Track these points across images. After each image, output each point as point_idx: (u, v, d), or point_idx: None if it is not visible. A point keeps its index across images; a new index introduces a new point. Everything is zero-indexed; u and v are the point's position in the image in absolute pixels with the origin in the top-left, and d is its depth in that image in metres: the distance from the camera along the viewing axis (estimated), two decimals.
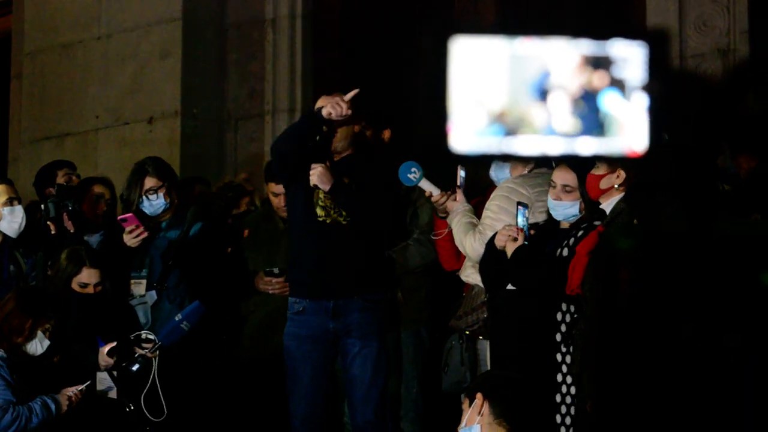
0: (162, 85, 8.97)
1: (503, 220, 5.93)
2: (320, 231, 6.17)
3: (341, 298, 6.14)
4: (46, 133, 9.45)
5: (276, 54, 8.94)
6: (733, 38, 7.44)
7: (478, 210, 6.37)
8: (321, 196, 6.18)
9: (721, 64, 7.39)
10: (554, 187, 5.73)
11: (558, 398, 5.44)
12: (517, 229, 5.70)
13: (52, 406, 6.03)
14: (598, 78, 1.88)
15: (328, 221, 6.17)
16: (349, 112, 6.03)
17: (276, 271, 6.82)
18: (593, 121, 1.87)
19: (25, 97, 9.70)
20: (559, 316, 5.51)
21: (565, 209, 5.73)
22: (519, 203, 5.78)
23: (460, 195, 6.29)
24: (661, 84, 1.86)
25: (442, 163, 6.11)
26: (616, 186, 5.55)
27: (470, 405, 4.92)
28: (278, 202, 6.95)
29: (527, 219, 5.73)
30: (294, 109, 8.86)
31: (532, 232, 5.76)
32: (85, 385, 6.17)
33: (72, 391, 6.10)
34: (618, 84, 1.88)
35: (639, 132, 1.88)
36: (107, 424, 6.40)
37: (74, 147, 9.27)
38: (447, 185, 6.32)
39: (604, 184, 5.59)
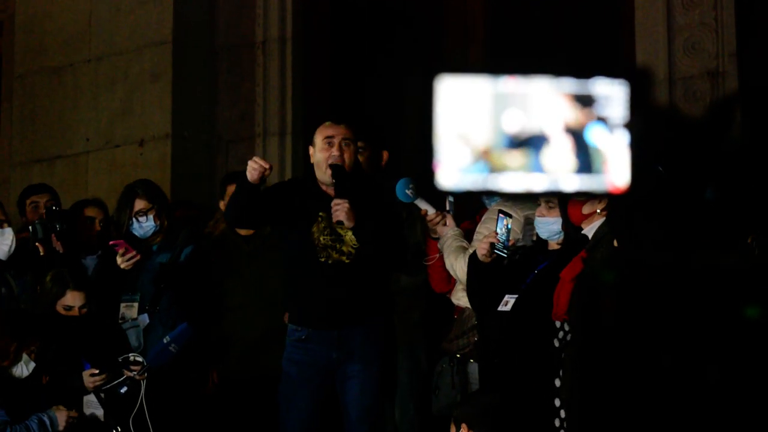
0: (152, 108, 8.98)
1: None
2: (322, 271, 6.14)
3: (345, 328, 6.13)
4: (36, 155, 9.45)
5: (266, 77, 8.95)
6: (722, 61, 7.47)
7: (468, 233, 6.40)
8: (320, 237, 6.14)
9: (710, 87, 7.43)
10: (539, 204, 5.80)
11: (557, 423, 5.45)
12: (495, 234, 5.74)
13: (48, 423, 6.04)
14: (581, 116, 1.90)
15: (330, 262, 6.14)
16: (267, 165, 6.01)
17: None
18: (577, 158, 1.90)
19: (15, 120, 9.70)
20: (556, 343, 5.53)
21: (549, 225, 5.79)
22: (500, 211, 5.80)
23: (449, 220, 6.32)
24: (643, 121, 1.88)
25: (431, 197, 6.16)
26: (598, 211, 5.60)
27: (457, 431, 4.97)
28: None
29: (508, 228, 5.75)
30: (284, 132, 8.88)
31: (512, 241, 5.79)
32: (73, 411, 6.19)
33: (65, 412, 6.11)
34: (601, 121, 1.90)
35: (621, 168, 1.90)
36: None
37: (65, 170, 9.27)
38: (434, 204, 6.36)
39: (586, 209, 5.65)
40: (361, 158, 6.73)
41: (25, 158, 9.52)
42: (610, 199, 1.94)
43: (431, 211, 6.33)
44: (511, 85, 1.90)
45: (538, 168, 1.90)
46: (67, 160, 9.29)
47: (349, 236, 6.14)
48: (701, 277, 2.09)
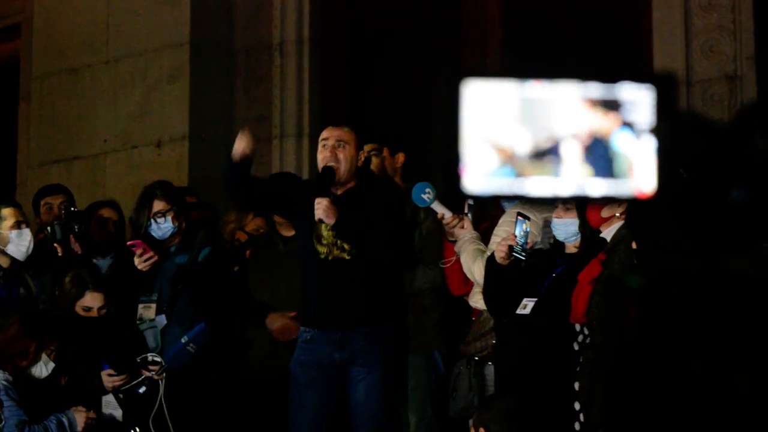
0: (170, 109, 9.00)
1: None
2: (323, 268, 6.19)
3: (348, 329, 6.16)
4: (54, 156, 9.49)
5: (283, 79, 8.97)
6: (740, 64, 7.47)
7: (486, 236, 6.40)
8: (323, 234, 6.18)
9: (728, 90, 7.42)
10: (556, 206, 5.80)
11: (577, 426, 5.43)
12: (513, 237, 5.74)
13: (66, 424, 6.07)
14: (608, 120, 1.91)
15: (330, 258, 6.18)
16: (246, 140, 6.18)
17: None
18: (603, 163, 1.90)
19: (33, 121, 9.74)
20: (575, 346, 5.53)
21: (566, 227, 5.78)
22: (519, 214, 5.80)
23: (467, 223, 6.32)
24: (670, 126, 1.88)
25: (457, 202, 6.18)
26: (617, 214, 5.60)
27: None
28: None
29: (526, 231, 5.75)
30: (301, 134, 8.89)
31: (530, 244, 5.79)
32: (92, 412, 6.21)
33: (83, 413, 6.14)
34: (627, 126, 1.91)
35: (648, 173, 1.90)
36: None
37: (82, 170, 9.30)
38: (458, 209, 6.37)
39: (605, 213, 5.64)
40: (376, 161, 6.76)
41: (43, 159, 9.56)
42: (634, 203, 1.94)
43: (448, 214, 6.34)
44: (537, 89, 1.91)
45: (564, 173, 1.91)
46: (84, 161, 9.33)
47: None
48: (728, 283, 2.09)
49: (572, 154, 1.91)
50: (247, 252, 7.17)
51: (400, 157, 6.98)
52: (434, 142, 1.89)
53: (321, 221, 6.13)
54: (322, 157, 6.25)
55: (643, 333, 2.15)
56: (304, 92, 8.95)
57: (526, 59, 7.84)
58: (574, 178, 1.91)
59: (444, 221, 6.37)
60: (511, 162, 1.89)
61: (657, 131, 1.89)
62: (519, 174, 1.90)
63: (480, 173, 1.90)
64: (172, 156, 8.95)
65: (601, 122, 1.91)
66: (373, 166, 6.74)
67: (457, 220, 6.33)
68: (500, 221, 6.32)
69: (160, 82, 9.09)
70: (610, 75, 1.91)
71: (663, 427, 2.21)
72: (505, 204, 6.49)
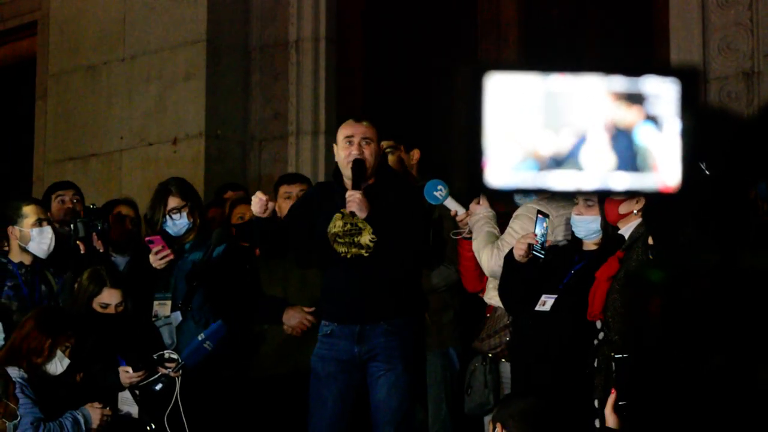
0: (186, 107, 9.02)
1: None
2: (343, 266, 6.18)
3: (367, 323, 6.16)
4: (70, 153, 9.51)
5: (299, 76, 8.97)
6: (757, 61, 7.45)
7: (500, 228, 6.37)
8: (339, 232, 6.17)
9: (745, 87, 7.40)
10: (577, 203, 5.77)
11: (597, 423, 5.41)
12: (533, 235, 5.72)
13: (82, 421, 6.08)
14: (631, 114, 1.90)
15: (348, 256, 6.18)
16: (264, 197, 6.24)
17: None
18: (626, 157, 1.90)
19: (50, 118, 9.76)
20: (595, 342, 5.51)
21: (587, 224, 5.75)
22: (539, 212, 5.77)
23: (484, 200, 6.28)
24: (693, 120, 1.88)
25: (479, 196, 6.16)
26: (635, 211, 5.57)
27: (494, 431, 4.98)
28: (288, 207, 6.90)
29: (546, 229, 5.72)
30: (317, 131, 8.89)
31: (548, 242, 5.77)
32: (107, 409, 6.22)
33: (99, 409, 6.15)
34: (651, 120, 1.90)
35: (672, 167, 1.90)
36: None
37: (99, 167, 9.32)
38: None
39: (623, 209, 5.61)
40: (392, 158, 6.75)
41: (59, 156, 9.58)
42: (654, 198, 1.93)
43: (461, 211, 6.32)
44: (560, 82, 1.90)
45: (587, 167, 1.90)
46: (101, 158, 9.35)
47: (368, 230, 6.17)
48: (745, 279, 2.09)
49: (596, 146, 1.90)
50: (257, 251, 7.16)
51: (416, 154, 6.97)
52: (456, 136, 1.88)
53: (353, 214, 6.09)
54: (347, 153, 6.21)
55: (663, 329, 2.14)
56: (320, 89, 8.95)
57: (542, 57, 7.84)
58: (597, 171, 1.90)
59: (457, 218, 6.35)
60: (534, 155, 1.88)
61: (681, 125, 1.88)
62: (542, 167, 1.89)
63: (502, 167, 1.89)
64: (188, 153, 8.96)
65: (625, 115, 1.90)
66: (389, 163, 6.73)
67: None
68: (515, 215, 6.29)
69: (176, 79, 9.10)
70: (633, 68, 1.90)
71: (682, 423, 2.21)
72: (518, 200, 6.47)
